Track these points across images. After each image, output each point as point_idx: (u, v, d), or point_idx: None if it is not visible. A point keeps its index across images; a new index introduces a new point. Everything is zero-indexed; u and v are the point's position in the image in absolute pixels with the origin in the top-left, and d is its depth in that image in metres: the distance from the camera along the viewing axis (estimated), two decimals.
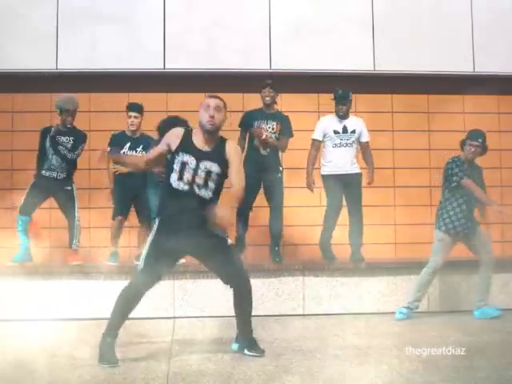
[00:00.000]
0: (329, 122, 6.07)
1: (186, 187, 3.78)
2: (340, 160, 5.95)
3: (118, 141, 6.08)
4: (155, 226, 3.87)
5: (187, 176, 3.79)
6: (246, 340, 4.00)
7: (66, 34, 6.85)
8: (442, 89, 7.33)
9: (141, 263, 3.83)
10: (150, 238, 3.86)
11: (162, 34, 6.96)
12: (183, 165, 3.81)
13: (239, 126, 6.09)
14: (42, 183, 5.89)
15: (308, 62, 7.01)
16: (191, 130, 4.01)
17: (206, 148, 3.88)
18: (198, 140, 3.90)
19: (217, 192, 3.86)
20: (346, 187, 5.95)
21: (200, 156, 3.83)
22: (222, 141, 3.94)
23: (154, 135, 5.48)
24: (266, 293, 5.66)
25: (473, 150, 5.39)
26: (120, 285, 3.91)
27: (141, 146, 6.08)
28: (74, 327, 4.99)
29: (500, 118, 7.48)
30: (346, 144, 5.98)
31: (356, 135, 6.03)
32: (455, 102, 7.41)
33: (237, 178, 3.83)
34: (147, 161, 4.04)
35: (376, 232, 7.21)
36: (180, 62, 6.95)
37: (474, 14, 7.24)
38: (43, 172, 5.91)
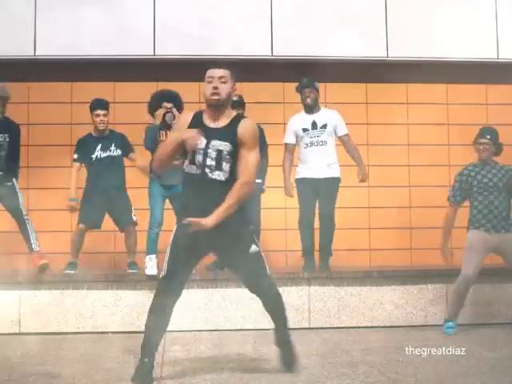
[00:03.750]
0: (297, 121, 6.06)
1: (199, 171, 3.72)
2: (313, 162, 5.93)
3: (86, 145, 6.01)
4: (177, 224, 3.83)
5: (198, 158, 3.71)
6: (281, 353, 3.98)
7: (45, 18, 6.84)
8: (463, 78, 7.33)
9: (163, 269, 3.76)
10: (171, 238, 3.80)
11: (152, 17, 6.94)
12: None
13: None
14: None
15: (313, 49, 6.99)
16: (202, 110, 3.88)
17: (215, 125, 3.78)
18: (207, 117, 3.81)
19: (233, 174, 3.73)
20: (319, 192, 5.94)
21: (209, 134, 3.71)
22: (237, 118, 3.84)
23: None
24: None
25: (481, 148, 5.42)
26: None
27: (113, 145, 6.04)
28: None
29: None
30: (318, 142, 5.94)
31: (328, 130, 5.98)
32: (477, 91, 7.40)
33: (243, 167, 3.73)
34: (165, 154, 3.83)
35: (390, 236, 7.22)
36: (172, 47, 6.93)
37: None
38: None
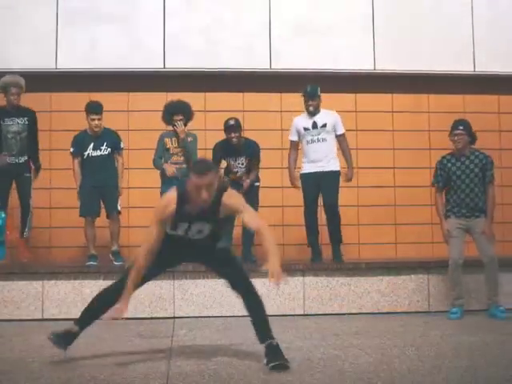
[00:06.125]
0: (300, 121, 6.07)
1: (181, 234, 3.64)
2: (314, 156, 5.94)
3: (81, 142, 6.01)
4: None
5: (181, 230, 3.62)
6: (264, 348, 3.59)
7: (66, 34, 6.85)
8: (442, 89, 7.34)
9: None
10: None
11: (162, 34, 6.96)
12: (176, 224, 3.59)
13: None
14: (5, 170, 5.87)
15: (308, 62, 7.01)
16: (184, 191, 3.48)
17: (198, 211, 3.52)
18: (191, 206, 3.50)
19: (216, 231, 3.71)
20: (321, 185, 5.94)
21: (192, 220, 3.57)
22: (218, 194, 3.52)
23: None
24: (266, 293, 5.59)
25: (456, 138, 5.41)
26: None
27: (105, 144, 6.02)
28: None
29: (500, 117, 7.47)
30: (318, 139, 5.95)
31: (328, 129, 5.98)
32: (455, 101, 7.41)
33: (251, 219, 3.59)
34: (154, 243, 3.55)
35: (376, 232, 7.23)
36: (180, 61, 6.94)
37: (475, 13, 7.24)
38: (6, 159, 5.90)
